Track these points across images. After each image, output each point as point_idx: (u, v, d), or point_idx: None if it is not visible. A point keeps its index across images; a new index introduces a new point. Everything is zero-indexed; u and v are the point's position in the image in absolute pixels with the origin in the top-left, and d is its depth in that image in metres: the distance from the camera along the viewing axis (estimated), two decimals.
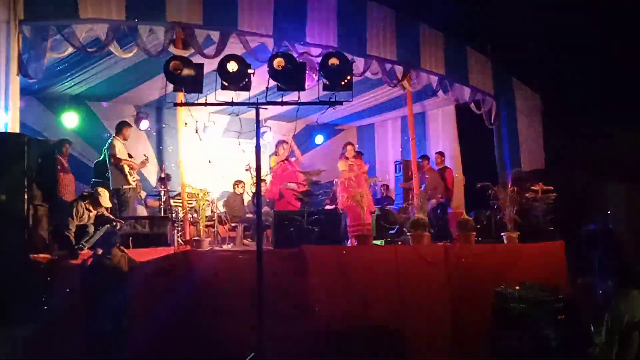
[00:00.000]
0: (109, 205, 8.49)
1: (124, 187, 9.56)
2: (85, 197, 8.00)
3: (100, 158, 10.14)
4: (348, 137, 15.40)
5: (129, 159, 10.01)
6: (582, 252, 10.20)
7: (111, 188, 9.51)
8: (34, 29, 7.82)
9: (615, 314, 5.53)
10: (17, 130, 7.57)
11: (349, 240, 9.52)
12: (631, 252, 11.50)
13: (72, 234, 7.52)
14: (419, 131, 12.87)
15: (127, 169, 9.66)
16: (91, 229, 7.84)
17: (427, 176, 11.77)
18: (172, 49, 8.24)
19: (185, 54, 8.00)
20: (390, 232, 9.63)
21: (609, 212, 12.85)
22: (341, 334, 7.10)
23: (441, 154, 12.47)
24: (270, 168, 11.20)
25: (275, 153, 10.84)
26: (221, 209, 11.30)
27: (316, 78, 6.70)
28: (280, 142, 10.98)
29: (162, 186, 11.07)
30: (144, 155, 11.23)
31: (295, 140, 11.71)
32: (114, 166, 9.62)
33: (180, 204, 9.31)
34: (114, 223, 8.11)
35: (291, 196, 10.21)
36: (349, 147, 10.79)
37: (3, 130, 7.42)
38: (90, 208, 7.85)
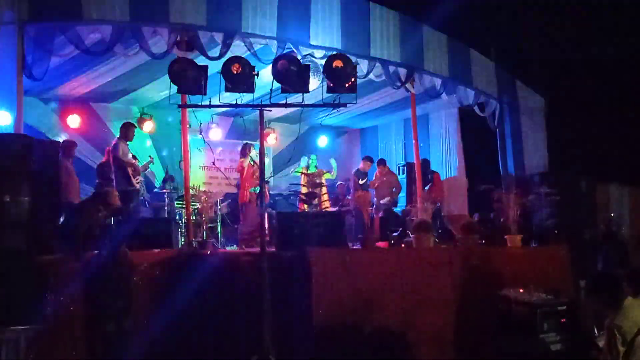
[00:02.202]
0: (119, 204, 8.52)
1: (128, 188, 9.57)
2: (96, 197, 8.02)
3: (104, 159, 10.16)
4: (352, 139, 15.43)
5: (133, 161, 10.02)
6: (586, 255, 10.20)
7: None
8: (38, 30, 7.83)
9: (615, 329, 5.36)
10: (21, 132, 7.59)
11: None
12: (635, 255, 11.49)
13: (81, 234, 7.52)
14: (422, 133, 12.86)
15: (130, 171, 9.67)
16: (98, 230, 7.84)
17: (384, 179, 11.90)
18: (176, 51, 8.25)
19: (189, 55, 8.01)
20: (394, 234, 9.62)
21: (612, 215, 12.83)
22: (345, 337, 7.08)
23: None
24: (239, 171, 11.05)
25: (243, 155, 10.77)
26: (224, 210, 11.30)
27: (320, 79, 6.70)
28: (247, 145, 10.91)
29: (166, 188, 11.08)
30: (149, 156, 11.24)
31: (298, 142, 11.74)
32: (118, 168, 9.63)
33: (184, 206, 9.32)
34: (123, 222, 8.13)
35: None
36: (312, 156, 11.06)
37: (7, 131, 7.43)
38: (101, 208, 7.86)
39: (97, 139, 11.45)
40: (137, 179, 9.85)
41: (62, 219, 7.76)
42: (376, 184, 11.95)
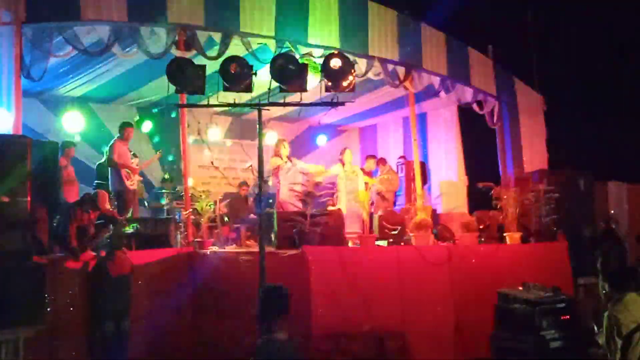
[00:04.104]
0: (108, 207, 8.50)
1: (122, 189, 9.56)
2: (84, 200, 7.99)
3: (102, 160, 10.15)
4: (350, 137, 15.41)
5: (129, 162, 9.98)
6: (585, 252, 10.21)
7: (111, 190, 9.54)
8: (35, 31, 7.82)
9: (613, 321, 5.39)
10: (20, 132, 7.58)
11: None
12: (633, 252, 11.50)
13: (73, 236, 7.51)
14: (421, 132, 12.86)
15: (124, 172, 9.65)
16: (91, 230, 7.83)
17: (385, 177, 11.92)
18: (174, 51, 8.25)
19: (187, 55, 8.01)
20: (393, 232, 9.61)
21: (611, 213, 12.84)
22: (343, 336, 7.09)
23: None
24: (272, 169, 10.99)
25: (276, 153, 10.69)
26: (224, 210, 11.28)
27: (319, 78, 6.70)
28: (280, 141, 10.84)
29: (165, 188, 11.07)
30: (156, 152, 11.24)
31: (297, 141, 11.71)
32: (113, 169, 9.62)
33: (183, 206, 9.31)
34: (117, 223, 8.10)
35: (293, 197, 10.18)
36: (347, 151, 10.90)
37: (5, 132, 7.43)
38: (90, 210, 7.83)
39: (95, 140, 11.44)
40: (133, 180, 9.82)
41: (56, 220, 7.75)
42: (375, 183, 11.91)
